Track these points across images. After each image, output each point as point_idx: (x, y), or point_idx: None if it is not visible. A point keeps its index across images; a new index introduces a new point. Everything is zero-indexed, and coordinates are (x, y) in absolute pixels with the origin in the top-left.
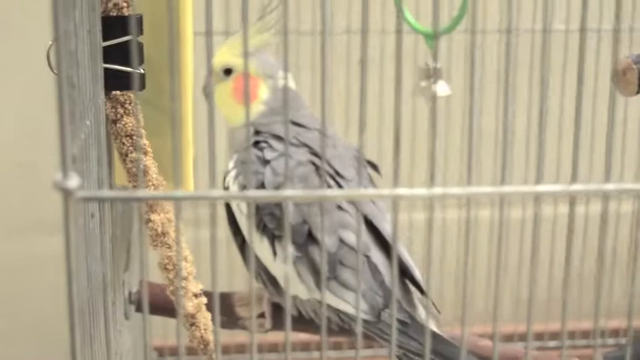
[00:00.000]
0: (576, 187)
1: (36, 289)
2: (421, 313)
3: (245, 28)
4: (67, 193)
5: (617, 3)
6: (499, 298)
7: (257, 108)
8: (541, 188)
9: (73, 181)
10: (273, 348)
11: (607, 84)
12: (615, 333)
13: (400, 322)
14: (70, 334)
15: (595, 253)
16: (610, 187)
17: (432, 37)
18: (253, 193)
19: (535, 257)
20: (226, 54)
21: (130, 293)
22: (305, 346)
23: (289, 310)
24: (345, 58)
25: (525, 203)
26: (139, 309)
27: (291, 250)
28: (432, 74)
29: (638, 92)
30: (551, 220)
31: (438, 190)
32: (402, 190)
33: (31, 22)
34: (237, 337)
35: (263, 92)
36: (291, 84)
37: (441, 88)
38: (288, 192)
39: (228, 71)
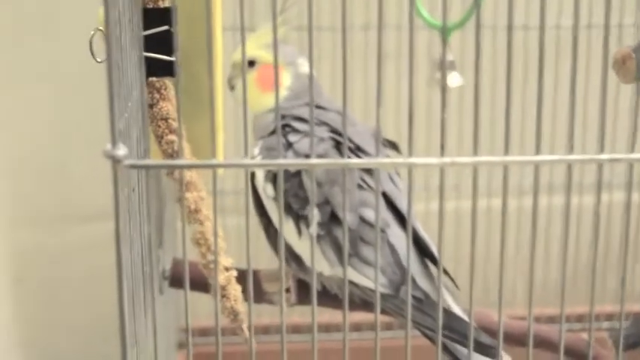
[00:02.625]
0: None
1: (76, 276)
2: (445, 294)
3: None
4: (115, 161)
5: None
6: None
7: (281, 94)
8: (540, 157)
9: (121, 150)
10: (297, 329)
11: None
12: None
13: (415, 298)
14: (118, 304)
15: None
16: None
17: (444, 30)
18: (281, 160)
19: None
20: (249, 47)
21: (163, 269)
22: (327, 328)
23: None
24: (363, 53)
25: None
26: (172, 284)
27: (316, 223)
28: (447, 66)
29: (636, 79)
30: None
31: (447, 160)
32: (416, 159)
33: (67, 18)
34: (263, 318)
35: (286, 79)
36: (307, 70)
37: (454, 79)
38: (314, 160)
39: (251, 63)
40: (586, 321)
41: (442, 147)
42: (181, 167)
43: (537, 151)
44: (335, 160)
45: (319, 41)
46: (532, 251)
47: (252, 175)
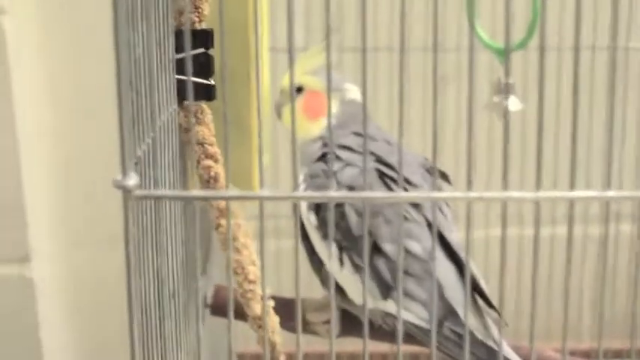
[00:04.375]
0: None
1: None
2: (490, 326)
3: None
4: (125, 191)
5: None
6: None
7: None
8: (575, 194)
9: (132, 180)
10: (338, 357)
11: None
12: None
13: (458, 335)
14: (129, 330)
15: None
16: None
17: (503, 53)
18: (332, 193)
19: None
20: (295, 73)
21: (205, 297)
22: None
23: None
24: (422, 75)
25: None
26: (213, 312)
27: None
28: (503, 89)
29: None
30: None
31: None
32: (474, 194)
33: None
34: (303, 346)
35: (333, 106)
36: (357, 96)
37: (513, 103)
38: (365, 193)
39: (298, 89)
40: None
41: (469, 180)
42: (194, 199)
43: (572, 186)
44: (385, 194)
45: (376, 62)
46: (566, 285)
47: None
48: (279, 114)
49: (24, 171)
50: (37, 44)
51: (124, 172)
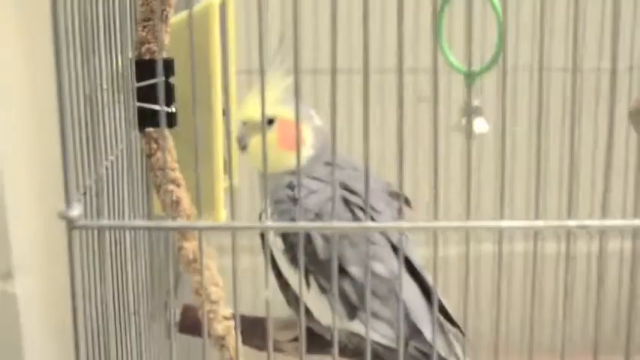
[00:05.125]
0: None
1: None
2: (452, 343)
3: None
4: (69, 222)
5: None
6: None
7: (307, 152)
8: (572, 223)
9: (75, 211)
10: None
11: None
12: None
13: (423, 353)
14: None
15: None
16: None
17: (469, 76)
18: (301, 223)
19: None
20: (260, 105)
21: (173, 314)
22: None
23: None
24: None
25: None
26: (181, 330)
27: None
28: (470, 112)
29: None
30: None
31: (472, 223)
32: (439, 223)
33: None
34: None
35: (308, 136)
36: (320, 123)
37: (480, 126)
38: (335, 224)
39: (270, 121)
40: None
41: (468, 209)
42: (136, 229)
43: (569, 216)
44: (355, 224)
45: (353, 84)
46: (566, 298)
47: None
48: (243, 147)
49: (6, 186)
50: (22, 76)
51: (68, 203)
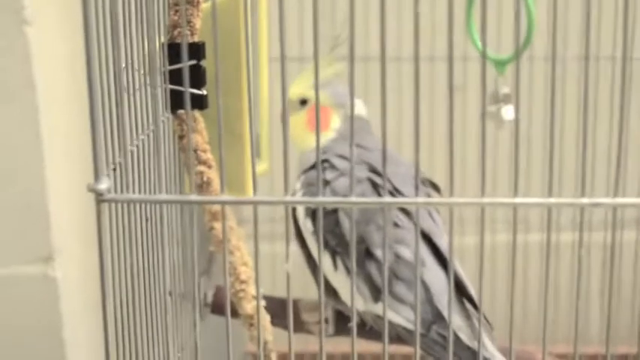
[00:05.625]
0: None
1: None
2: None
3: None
4: (97, 195)
5: None
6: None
7: (328, 135)
8: (585, 200)
9: (104, 185)
10: (331, 358)
11: None
12: None
13: (444, 338)
14: (103, 328)
15: None
16: None
17: (501, 64)
18: (321, 198)
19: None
20: (302, 85)
21: (204, 295)
22: (361, 358)
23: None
24: (428, 85)
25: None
26: (213, 311)
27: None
28: (501, 99)
29: None
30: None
31: (486, 200)
32: (455, 199)
33: None
34: (297, 347)
35: (335, 122)
36: (363, 111)
37: (508, 113)
38: (352, 199)
39: (303, 102)
40: None
41: (483, 186)
42: (162, 202)
43: (583, 193)
44: (373, 199)
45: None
46: (578, 286)
47: (294, 209)
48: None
49: (47, 171)
50: (62, 56)
51: (97, 177)
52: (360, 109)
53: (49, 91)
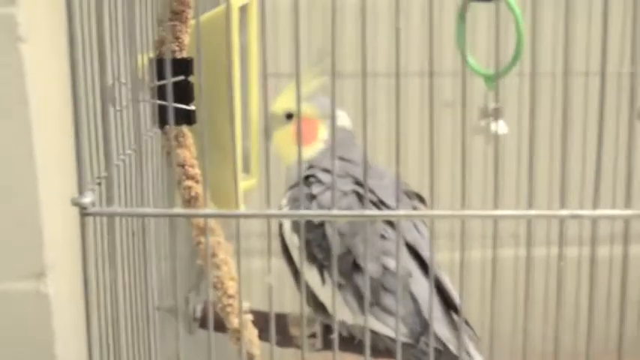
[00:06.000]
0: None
1: None
2: (467, 344)
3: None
4: (81, 209)
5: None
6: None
7: (317, 146)
8: (565, 212)
9: (88, 198)
10: None
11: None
12: None
13: (435, 349)
14: (87, 339)
15: None
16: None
17: (492, 79)
18: (304, 211)
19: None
20: (288, 99)
21: (194, 310)
22: None
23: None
24: (419, 100)
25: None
26: (202, 325)
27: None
28: (491, 113)
29: None
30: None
31: (467, 212)
32: (436, 212)
33: None
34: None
35: (322, 133)
36: (347, 123)
37: (500, 127)
38: (335, 212)
39: (289, 116)
40: None
41: (463, 198)
42: (145, 216)
43: (562, 205)
44: (355, 212)
45: (374, 88)
46: (559, 298)
47: (281, 225)
48: (268, 137)
49: (40, 187)
50: (54, 72)
51: (81, 191)
52: (344, 120)
53: (42, 107)
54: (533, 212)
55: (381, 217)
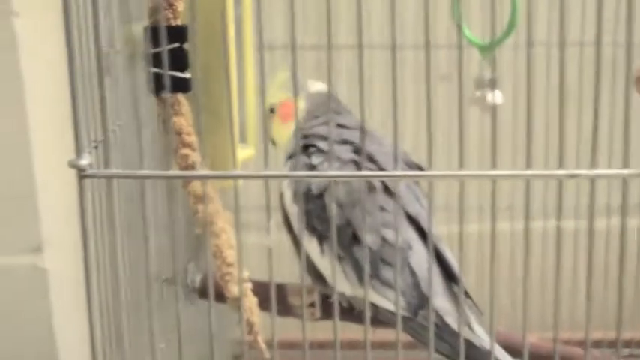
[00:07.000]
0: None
1: None
2: (465, 314)
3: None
4: (79, 171)
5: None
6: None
7: (299, 116)
8: (562, 172)
9: (85, 160)
10: (322, 345)
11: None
12: None
13: (433, 323)
14: (87, 305)
15: None
16: None
17: (487, 49)
18: (301, 173)
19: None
20: (268, 96)
21: (192, 280)
22: (351, 345)
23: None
24: (414, 72)
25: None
26: (202, 296)
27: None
28: (487, 84)
29: None
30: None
31: (465, 172)
32: (435, 172)
33: None
34: (289, 333)
35: (300, 104)
36: (322, 87)
37: (495, 97)
38: (333, 172)
39: (272, 110)
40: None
41: (461, 159)
42: (143, 177)
43: (560, 166)
44: (353, 173)
45: (371, 59)
46: (557, 271)
47: (282, 195)
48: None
49: (35, 161)
50: (49, 47)
51: (78, 153)
52: (317, 86)
53: (36, 82)
54: (530, 172)
55: (378, 177)
